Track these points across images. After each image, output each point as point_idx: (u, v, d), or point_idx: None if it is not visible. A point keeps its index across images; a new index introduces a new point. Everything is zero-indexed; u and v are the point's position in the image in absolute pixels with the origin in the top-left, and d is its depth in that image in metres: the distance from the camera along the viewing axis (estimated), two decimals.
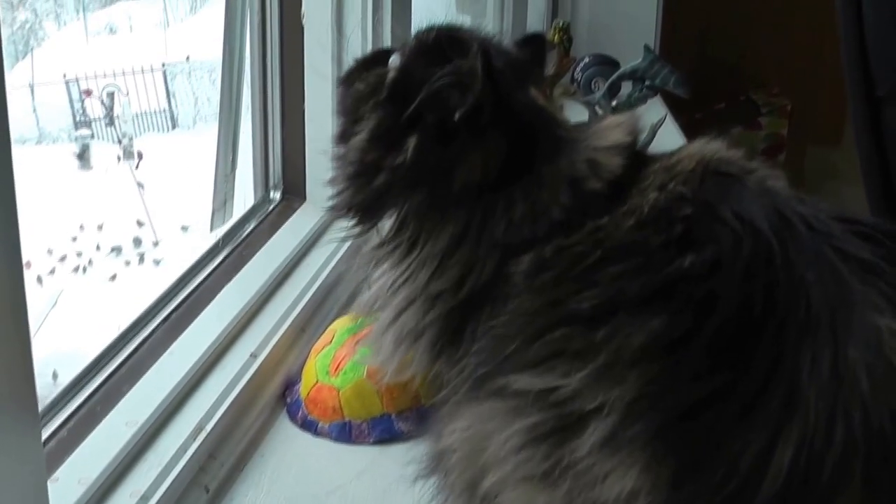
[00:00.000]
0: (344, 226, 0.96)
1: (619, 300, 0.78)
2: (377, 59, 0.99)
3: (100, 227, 2.63)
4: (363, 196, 0.92)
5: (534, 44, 1.04)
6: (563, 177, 0.86)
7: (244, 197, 1.54)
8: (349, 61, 1.05)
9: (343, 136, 0.95)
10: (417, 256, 0.89)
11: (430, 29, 0.96)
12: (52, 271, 2.47)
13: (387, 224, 0.92)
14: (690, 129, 3.65)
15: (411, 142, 0.88)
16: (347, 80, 0.99)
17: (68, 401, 1.06)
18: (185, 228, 2.56)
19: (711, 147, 0.90)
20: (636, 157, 0.89)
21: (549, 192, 0.86)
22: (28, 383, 0.76)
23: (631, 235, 0.82)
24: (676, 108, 2.40)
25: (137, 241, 2.65)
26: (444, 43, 0.92)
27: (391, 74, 0.94)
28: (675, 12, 3.36)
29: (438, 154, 0.88)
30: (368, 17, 1.46)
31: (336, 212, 0.95)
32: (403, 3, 1.53)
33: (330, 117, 1.49)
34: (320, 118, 1.50)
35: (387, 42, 1.49)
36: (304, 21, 1.49)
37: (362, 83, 0.96)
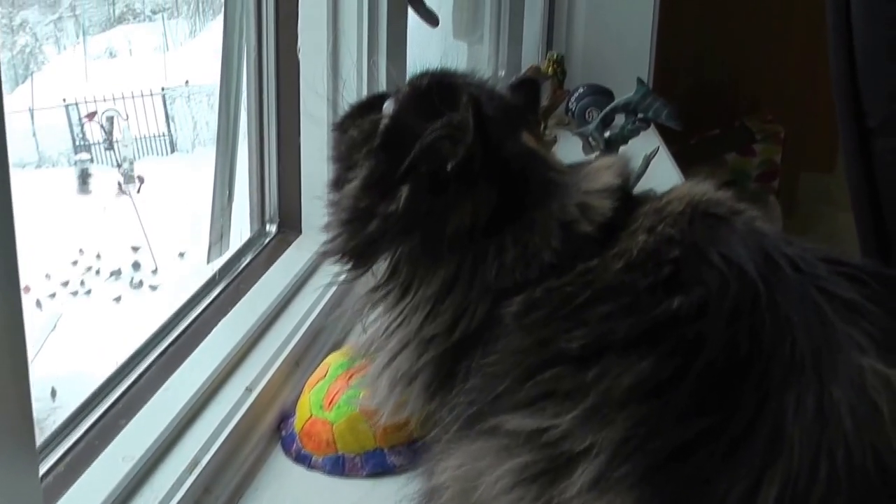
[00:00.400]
0: (338, 269, 0.97)
1: (608, 341, 0.79)
2: (371, 104, 1.00)
3: (98, 253, 2.65)
4: (356, 242, 0.93)
5: (527, 88, 1.06)
6: (554, 220, 0.88)
7: (240, 229, 1.56)
8: (344, 97, 1.07)
9: (337, 183, 0.97)
10: (410, 301, 0.90)
11: (423, 74, 0.98)
12: (53, 295, 2.49)
13: (380, 268, 0.93)
14: (685, 156, 3.69)
15: (404, 191, 0.90)
16: (342, 126, 1.01)
17: (66, 436, 1.06)
18: (182, 255, 2.57)
19: (700, 189, 0.91)
20: (626, 199, 0.91)
21: (541, 236, 0.87)
22: (26, 420, 0.77)
23: (620, 277, 0.83)
24: (671, 134, 2.42)
25: (136, 266, 2.66)
26: (436, 90, 0.94)
27: (384, 122, 0.96)
28: (670, 40, 3.39)
29: (431, 203, 0.90)
30: (364, 56, 1.48)
31: (329, 256, 0.97)
32: (399, 43, 1.55)
33: (325, 150, 1.51)
34: (316, 152, 1.51)
35: (382, 75, 1.51)
36: (300, 55, 1.51)
37: (356, 130, 0.98)
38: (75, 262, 2.64)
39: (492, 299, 0.87)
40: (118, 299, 2.58)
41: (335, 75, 1.51)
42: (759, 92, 4.16)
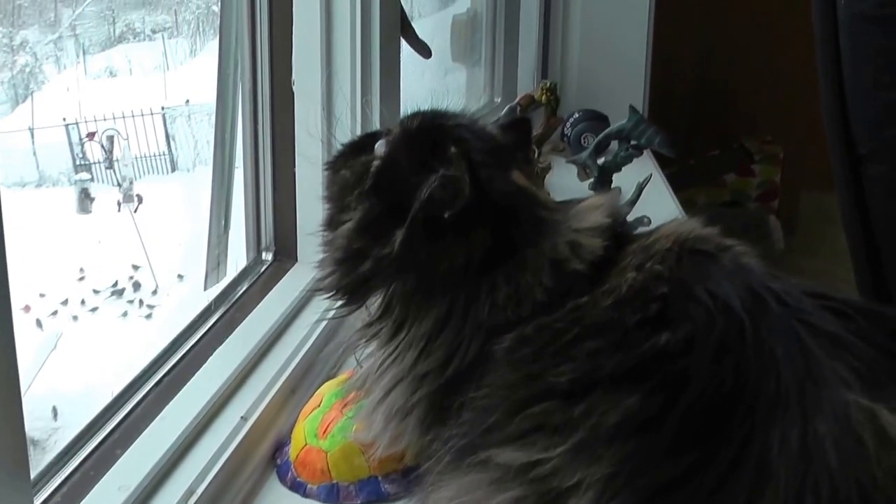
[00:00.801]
0: (331, 304, 0.99)
1: (596, 376, 0.80)
2: (363, 144, 1.02)
3: (98, 272, 2.65)
4: (349, 280, 0.95)
5: (518, 128, 1.08)
6: (545, 259, 0.90)
7: (237, 257, 1.57)
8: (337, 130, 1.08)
9: (330, 223, 0.99)
10: (404, 338, 0.92)
11: (414, 115, 1.00)
12: (54, 314, 2.49)
13: (374, 304, 0.95)
14: (684, 177, 3.71)
15: (399, 235, 0.92)
16: (334, 166, 1.02)
17: (62, 466, 1.07)
18: (181, 277, 2.58)
19: (687, 226, 0.93)
20: (616, 237, 0.93)
21: (533, 275, 0.89)
22: (20, 453, 0.79)
23: (609, 314, 0.85)
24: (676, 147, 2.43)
25: (136, 286, 2.67)
26: (427, 132, 0.97)
27: (376, 163, 0.98)
28: (667, 63, 3.41)
29: (426, 247, 0.92)
30: (357, 81, 1.50)
31: (323, 293, 0.98)
32: (392, 74, 1.57)
33: (319, 181, 1.53)
34: (311, 181, 1.53)
35: (376, 108, 1.53)
36: (295, 87, 1.53)
37: (348, 170, 0.99)
38: (77, 281, 2.65)
39: (484, 336, 0.89)
40: (120, 317, 2.59)
41: (329, 106, 1.52)
42: (757, 113, 4.18)
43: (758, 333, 0.81)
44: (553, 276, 0.89)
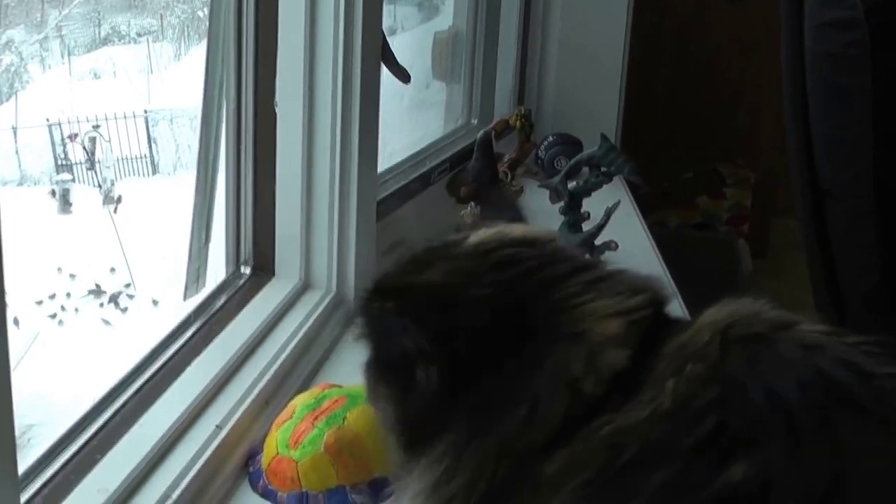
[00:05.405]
0: None
1: None
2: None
3: (74, 273, 2.67)
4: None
5: None
6: (558, 381, 0.80)
7: (216, 269, 1.61)
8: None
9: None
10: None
11: (374, 294, 0.92)
12: (32, 313, 2.51)
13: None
14: (659, 198, 3.76)
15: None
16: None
17: (44, 469, 1.11)
18: (159, 280, 2.60)
19: (728, 309, 0.81)
20: (644, 341, 0.81)
21: (548, 402, 0.80)
22: (8, 450, 0.83)
23: (657, 430, 0.74)
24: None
25: (114, 287, 2.69)
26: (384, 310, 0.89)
27: (365, 370, 0.93)
28: (645, 83, 3.46)
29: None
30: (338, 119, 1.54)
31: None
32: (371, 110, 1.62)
33: (298, 199, 1.58)
34: (290, 198, 1.59)
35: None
36: (277, 108, 1.57)
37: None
38: (54, 281, 2.66)
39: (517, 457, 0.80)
40: (98, 318, 2.61)
41: (310, 125, 1.57)
42: (731, 139, 4.24)
43: (854, 448, 0.69)
44: (568, 400, 0.79)
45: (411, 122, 2.74)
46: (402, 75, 1.65)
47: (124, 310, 2.63)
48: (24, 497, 1.06)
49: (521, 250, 0.89)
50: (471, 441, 0.81)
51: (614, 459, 0.73)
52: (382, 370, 0.90)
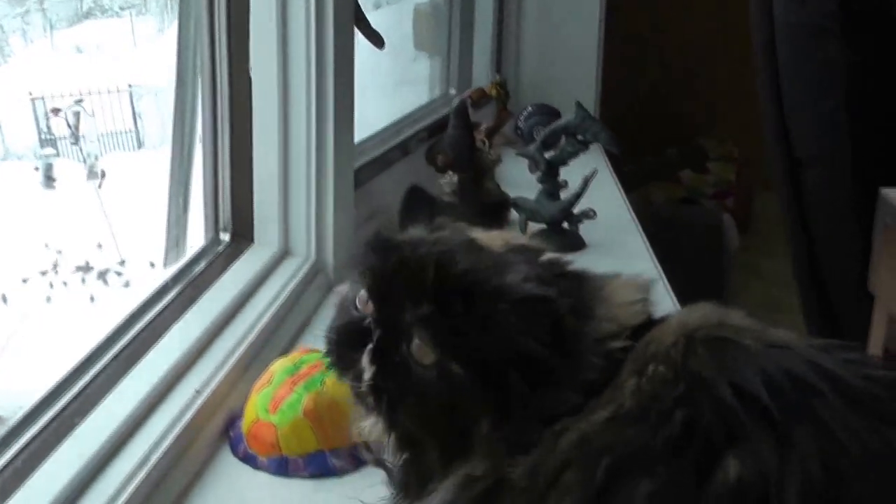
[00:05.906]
0: None
1: None
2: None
3: (61, 247, 2.67)
4: None
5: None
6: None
7: (196, 236, 1.61)
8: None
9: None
10: None
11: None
12: (18, 289, 2.51)
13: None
14: (641, 173, 3.77)
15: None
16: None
17: (23, 432, 1.11)
18: (145, 251, 2.60)
19: (699, 313, 0.80)
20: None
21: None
22: None
23: (623, 435, 0.72)
24: (629, 150, 2.50)
25: (101, 262, 2.69)
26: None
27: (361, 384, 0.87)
28: (629, 60, 3.46)
29: None
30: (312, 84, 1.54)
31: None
32: (346, 73, 1.61)
33: (277, 163, 1.58)
34: (267, 165, 1.59)
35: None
36: (252, 73, 1.57)
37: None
38: (41, 257, 2.66)
39: None
40: (84, 294, 2.61)
41: (285, 91, 1.56)
42: (715, 113, 4.24)
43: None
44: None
45: (400, 99, 2.74)
46: (377, 40, 1.64)
47: (105, 283, 2.63)
48: (1, 462, 1.06)
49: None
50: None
51: (593, 471, 0.71)
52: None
